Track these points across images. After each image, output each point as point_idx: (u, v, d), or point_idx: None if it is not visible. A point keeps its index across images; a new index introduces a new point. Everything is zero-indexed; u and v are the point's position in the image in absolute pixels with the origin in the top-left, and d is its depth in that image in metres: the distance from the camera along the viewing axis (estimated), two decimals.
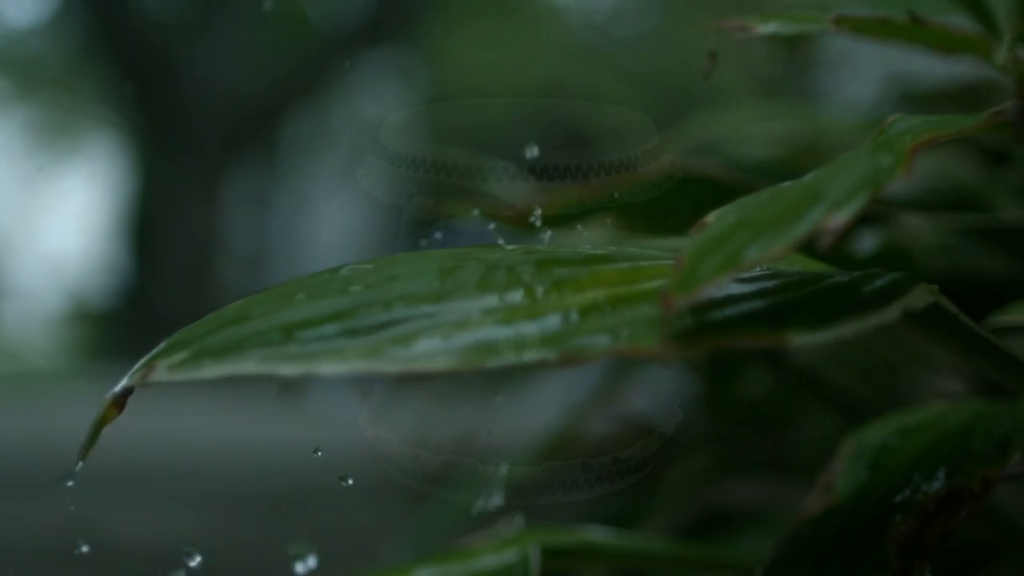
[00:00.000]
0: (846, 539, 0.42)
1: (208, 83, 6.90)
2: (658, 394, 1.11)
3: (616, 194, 0.62)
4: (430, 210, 0.72)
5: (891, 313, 0.36)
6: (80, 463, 0.36)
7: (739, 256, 0.32)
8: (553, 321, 0.34)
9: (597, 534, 0.56)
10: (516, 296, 0.35)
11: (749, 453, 0.86)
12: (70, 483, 0.46)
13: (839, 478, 0.46)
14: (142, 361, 0.35)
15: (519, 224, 0.65)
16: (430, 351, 0.33)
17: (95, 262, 7.95)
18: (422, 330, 0.34)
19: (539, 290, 0.36)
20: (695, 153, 0.77)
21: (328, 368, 0.32)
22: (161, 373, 0.34)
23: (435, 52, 7.90)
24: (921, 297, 0.37)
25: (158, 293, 6.76)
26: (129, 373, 0.35)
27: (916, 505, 0.41)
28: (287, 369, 0.33)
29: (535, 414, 1.07)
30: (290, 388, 0.82)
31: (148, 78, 6.97)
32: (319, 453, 0.53)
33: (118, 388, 0.35)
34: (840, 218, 0.32)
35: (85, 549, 0.52)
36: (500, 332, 0.34)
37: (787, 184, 0.37)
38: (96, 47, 7.39)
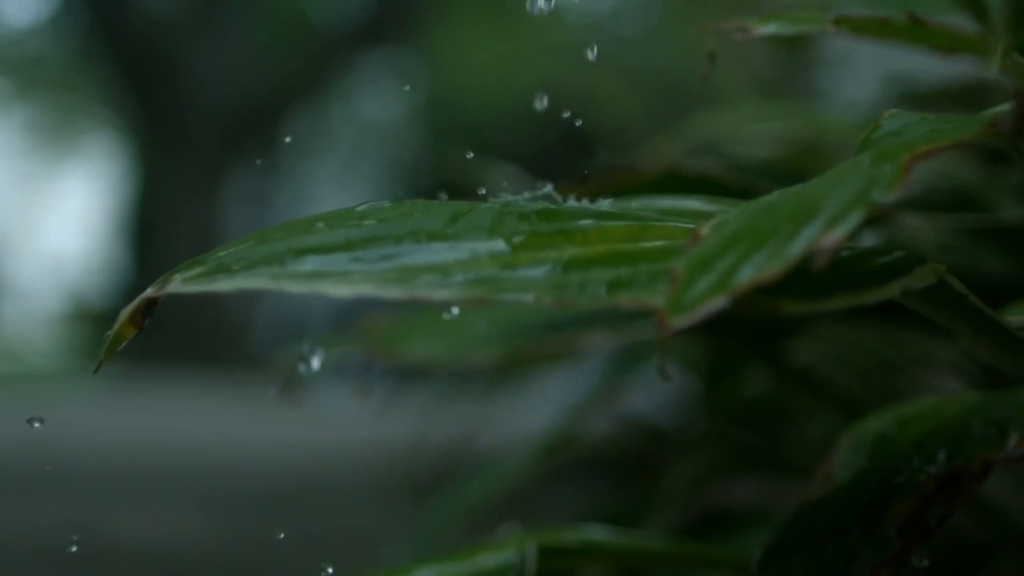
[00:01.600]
0: (846, 521, 0.42)
1: (208, 83, 6.90)
2: (658, 394, 1.11)
3: (615, 194, 0.62)
4: None
5: (891, 290, 0.36)
6: (106, 360, 0.37)
7: (732, 278, 0.32)
8: (555, 269, 0.35)
9: (597, 533, 0.56)
10: (523, 242, 0.36)
11: (749, 453, 0.86)
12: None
13: (838, 468, 0.47)
14: (161, 278, 0.36)
15: None
16: (432, 282, 0.34)
17: (95, 262, 7.96)
18: (427, 265, 0.35)
19: (546, 239, 0.37)
20: (695, 153, 0.77)
21: (333, 290, 0.34)
22: (176, 285, 0.36)
23: (435, 52, 7.90)
24: (925, 277, 0.37)
25: None
26: (149, 288, 0.36)
27: (916, 486, 0.41)
28: (294, 287, 0.34)
29: (535, 414, 1.07)
30: (290, 387, 0.82)
31: (148, 78, 6.96)
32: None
33: (137, 300, 0.36)
34: (835, 236, 0.32)
35: (74, 549, 0.53)
36: (502, 273, 0.35)
37: (782, 194, 0.37)
38: (96, 47, 7.39)
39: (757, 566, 0.42)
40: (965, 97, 0.74)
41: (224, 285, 0.35)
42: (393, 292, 0.33)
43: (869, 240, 0.65)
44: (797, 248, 0.32)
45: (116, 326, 0.37)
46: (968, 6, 0.53)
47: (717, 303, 0.32)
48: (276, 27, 7.70)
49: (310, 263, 0.35)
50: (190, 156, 6.93)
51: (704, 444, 0.88)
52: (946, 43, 0.48)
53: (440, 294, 0.34)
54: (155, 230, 7.12)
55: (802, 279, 0.36)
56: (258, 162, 7.41)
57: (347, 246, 0.36)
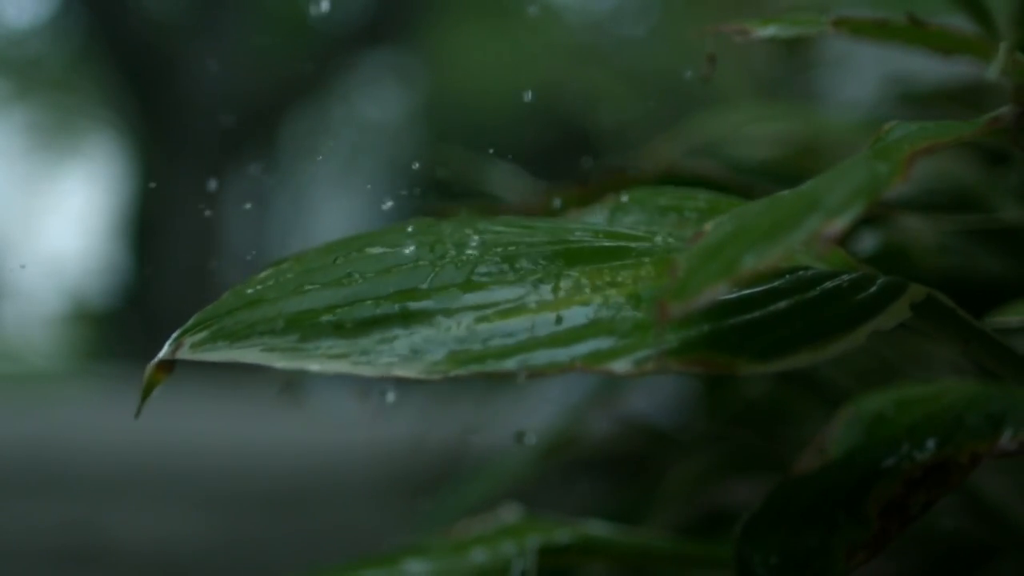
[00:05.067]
0: (832, 497, 0.43)
1: (208, 83, 6.90)
2: (658, 394, 1.11)
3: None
4: (430, 210, 0.72)
5: (858, 337, 0.36)
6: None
7: (735, 264, 0.32)
8: (523, 331, 0.37)
9: (598, 529, 0.56)
10: (496, 295, 0.38)
11: (749, 453, 0.87)
12: None
13: (833, 442, 0.47)
14: (175, 335, 0.40)
15: None
16: (406, 360, 0.36)
17: (95, 262, 7.95)
18: (403, 335, 0.37)
19: (518, 292, 0.38)
20: (695, 153, 0.77)
21: (314, 367, 0.36)
22: (185, 351, 0.39)
23: (435, 52, 7.90)
24: (897, 314, 0.37)
25: (158, 293, 6.76)
26: (166, 346, 0.40)
27: (903, 472, 0.42)
28: (281, 364, 0.37)
29: (535, 414, 1.07)
30: (290, 388, 0.82)
31: (148, 78, 6.96)
32: None
33: (156, 360, 0.40)
34: (836, 226, 0.32)
35: (74, 549, 0.53)
36: (473, 343, 0.37)
37: (784, 192, 0.37)
38: (96, 47, 7.39)
39: (739, 535, 0.42)
40: (965, 97, 0.74)
41: (222, 356, 0.38)
42: (370, 372, 0.36)
43: (869, 241, 0.65)
44: (798, 237, 0.32)
45: (146, 375, 0.40)
46: (968, 7, 0.53)
47: (718, 289, 0.32)
48: (276, 27, 7.70)
49: (298, 333, 0.38)
50: (190, 156, 6.93)
51: (704, 444, 0.88)
52: (946, 44, 0.48)
53: (413, 372, 0.36)
54: (155, 230, 7.12)
55: (764, 333, 0.36)
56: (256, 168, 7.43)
57: (331, 309, 0.38)
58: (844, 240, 0.50)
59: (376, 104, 8.45)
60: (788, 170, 0.71)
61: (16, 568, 1.37)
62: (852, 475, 0.43)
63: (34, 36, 8.38)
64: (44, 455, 2.36)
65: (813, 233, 0.32)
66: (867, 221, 0.63)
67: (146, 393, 0.40)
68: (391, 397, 0.53)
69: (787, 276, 0.39)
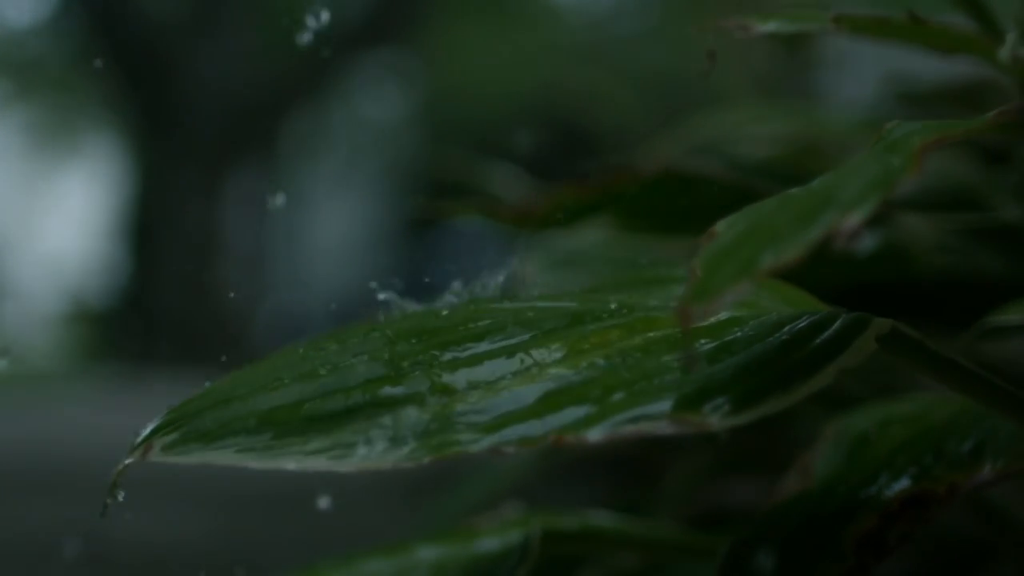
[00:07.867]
0: (811, 527, 0.43)
1: (208, 83, 6.90)
2: None
3: (615, 194, 0.62)
4: (430, 210, 0.72)
5: (824, 379, 0.36)
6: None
7: (754, 263, 0.32)
8: (494, 408, 0.37)
9: (603, 519, 0.56)
10: (464, 376, 0.38)
11: (749, 453, 0.86)
12: None
13: (817, 461, 0.47)
14: (143, 436, 0.40)
15: (519, 224, 0.65)
16: (382, 452, 0.36)
17: (95, 262, 7.96)
18: (376, 426, 0.37)
19: (487, 370, 0.39)
20: (695, 153, 0.77)
21: (291, 466, 0.36)
22: (156, 453, 0.39)
23: (435, 52, 7.90)
24: (861, 349, 0.37)
25: (158, 293, 6.76)
26: (132, 446, 0.40)
27: (880, 504, 0.42)
28: (257, 464, 0.37)
29: None
30: None
31: (148, 78, 6.96)
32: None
33: (123, 463, 0.40)
34: (853, 220, 0.32)
35: (74, 549, 0.54)
36: (446, 426, 0.37)
37: (795, 190, 0.37)
38: (96, 47, 7.39)
39: (723, 560, 0.42)
40: (965, 97, 0.74)
41: (197, 459, 0.38)
42: (345, 467, 0.36)
43: (869, 241, 0.65)
44: (815, 233, 0.32)
45: (115, 472, 0.40)
46: (968, 5, 0.53)
47: (740, 288, 0.31)
48: (276, 27, 7.70)
49: (270, 430, 0.37)
50: (190, 156, 6.93)
51: (704, 444, 0.88)
52: (946, 42, 0.48)
53: (388, 462, 0.36)
54: (155, 230, 7.11)
55: (733, 385, 0.36)
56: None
57: (300, 405, 0.38)
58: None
59: (376, 104, 8.45)
60: (788, 169, 0.71)
61: (16, 568, 1.37)
62: (832, 506, 0.43)
63: (34, 36, 8.38)
64: (44, 455, 2.36)
65: (830, 228, 0.32)
66: (867, 220, 0.62)
67: (112, 490, 0.40)
68: None
69: (751, 323, 0.39)
